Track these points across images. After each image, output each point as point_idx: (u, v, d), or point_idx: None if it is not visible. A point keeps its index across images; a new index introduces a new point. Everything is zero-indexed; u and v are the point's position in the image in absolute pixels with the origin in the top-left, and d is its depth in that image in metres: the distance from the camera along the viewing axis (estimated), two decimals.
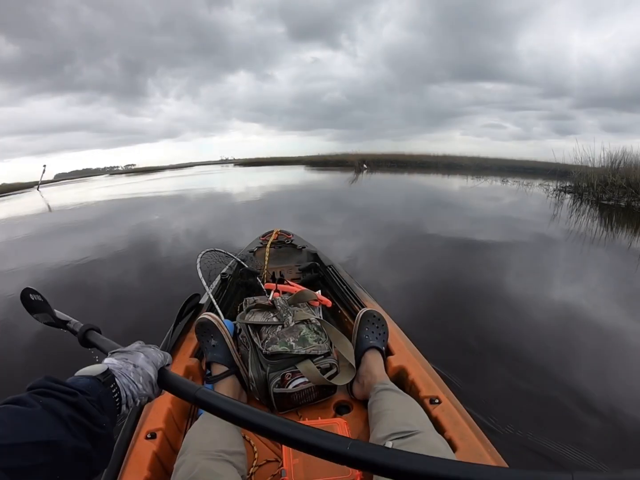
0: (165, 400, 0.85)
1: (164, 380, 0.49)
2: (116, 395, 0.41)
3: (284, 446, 0.74)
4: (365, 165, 16.71)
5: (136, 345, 0.51)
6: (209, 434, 0.71)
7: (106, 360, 0.46)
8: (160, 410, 0.83)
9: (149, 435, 0.76)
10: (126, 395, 0.43)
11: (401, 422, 0.70)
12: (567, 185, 7.93)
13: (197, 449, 0.65)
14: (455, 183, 11.00)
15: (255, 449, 0.82)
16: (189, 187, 12.04)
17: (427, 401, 0.83)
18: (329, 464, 0.70)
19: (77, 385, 0.38)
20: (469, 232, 4.08)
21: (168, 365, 0.52)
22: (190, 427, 0.80)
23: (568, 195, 7.34)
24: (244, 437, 0.84)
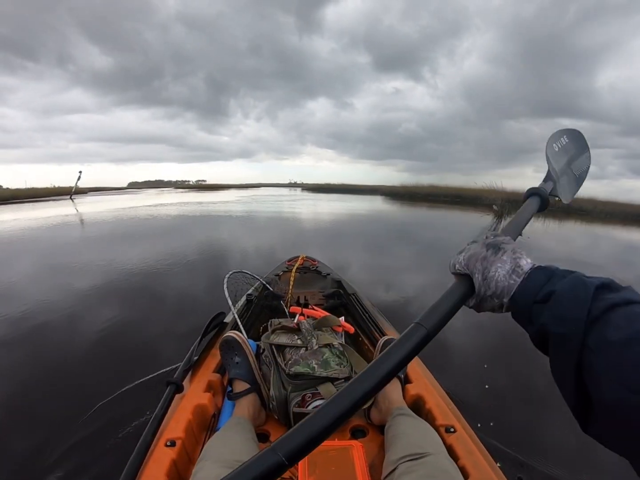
0: (186, 411, 0.88)
1: None
2: None
3: (300, 464, 0.74)
4: (495, 207, 11.29)
5: None
6: (229, 445, 0.73)
7: None
8: (181, 419, 0.85)
9: (168, 443, 0.78)
10: None
11: (415, 445, 0.70)
12: None
13: (217, 457, 0.67)
14: None
15: None
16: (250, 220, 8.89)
17: (442, 429, 0.83)
18: None
19: None
20: None
21: None
22: (208, 439, 0.81)
23: None
24: None
